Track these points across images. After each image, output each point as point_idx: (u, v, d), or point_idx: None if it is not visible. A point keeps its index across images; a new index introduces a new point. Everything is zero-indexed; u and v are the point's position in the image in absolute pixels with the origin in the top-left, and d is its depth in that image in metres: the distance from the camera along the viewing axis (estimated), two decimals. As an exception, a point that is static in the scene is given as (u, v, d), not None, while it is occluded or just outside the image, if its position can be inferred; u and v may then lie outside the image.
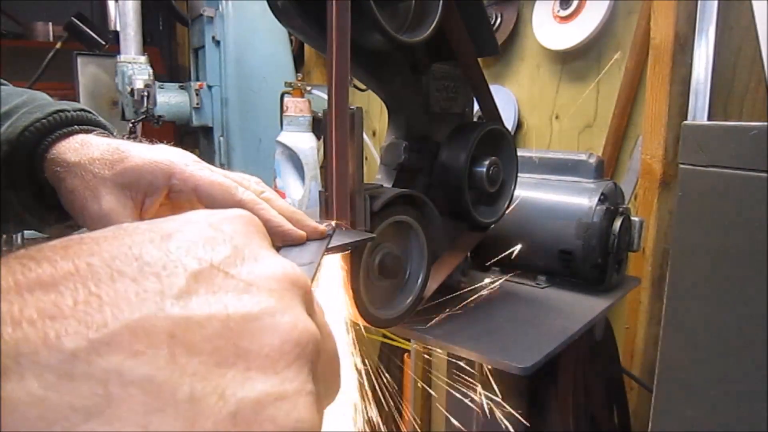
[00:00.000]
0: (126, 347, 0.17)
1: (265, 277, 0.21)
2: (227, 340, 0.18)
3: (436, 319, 0.74)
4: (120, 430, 0.16)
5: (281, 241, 0.44)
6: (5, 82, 0.54)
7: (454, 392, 0.79)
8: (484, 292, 0.85)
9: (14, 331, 0.16)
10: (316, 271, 0.40)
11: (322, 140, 1.47)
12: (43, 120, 0.47)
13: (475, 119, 0.92)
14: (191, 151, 0.50)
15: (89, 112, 0.51)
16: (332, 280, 0.58)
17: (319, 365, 0.21)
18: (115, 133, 0.52)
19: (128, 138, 0.50)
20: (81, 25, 2.25)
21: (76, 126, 0.48)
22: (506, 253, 0.90)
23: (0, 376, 0.15)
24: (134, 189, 0.45)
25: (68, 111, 0.48)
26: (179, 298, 0.19)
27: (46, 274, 0.18)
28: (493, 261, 0.92)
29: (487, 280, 0.87)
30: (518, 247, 0.89)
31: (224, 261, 0.21)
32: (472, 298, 0.81)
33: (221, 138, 1.99)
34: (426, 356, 0.77)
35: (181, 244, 0.21)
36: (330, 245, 0.48)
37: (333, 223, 0.53)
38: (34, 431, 0.15)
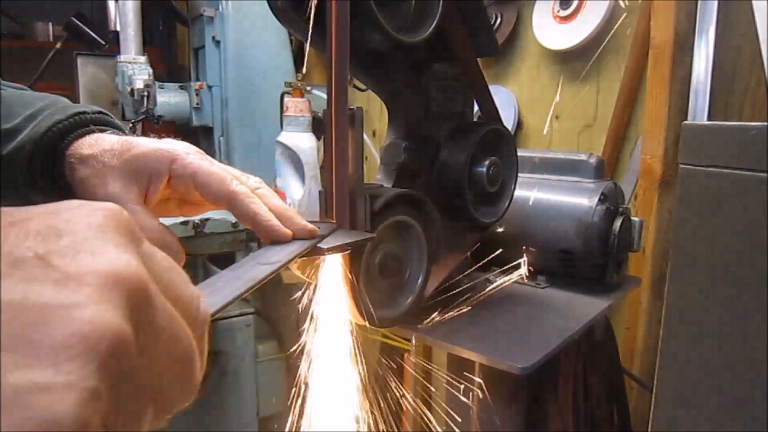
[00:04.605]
0: None
1: (88, 271, 0.21)
2: (16, 326, 0.19)
3: (437, 318, 0.74)
4: None
5: (266, 236, 0.46)
6: (26, 87, 0.58)
7: (454, 392, 0.79)
8: (484, 292, 0.85)
9: None
10: (276, 271, 0.40)
11: (322, 140, 1.47)
12: (65, 121, 0.50)
13: (475, 119, 0.92)
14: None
15: (107, 114, 0.55)
16: (333, 280, 0.58)
17: (148, 366, 0.22)
18: (128, 132, 0.55)
19: None
20: (81, 25, 2.25)
21: (93, 126, 0.52)
22: (512, 264, 0.89)
23: None
24: (139, 175, 0.48)
25: (88, 113, 0.52)
26: None
27: None
28: (491, 261, 0.92)
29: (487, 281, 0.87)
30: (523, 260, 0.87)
31: (57, 252, 0.21)
32: (472, 298, 0.81)
33: (221, 138, 1.99)
34: (426, 356, 0.77)
35: (21, 232, 0.21)
36: (330, 245, 0.48)
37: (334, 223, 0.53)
38: None
